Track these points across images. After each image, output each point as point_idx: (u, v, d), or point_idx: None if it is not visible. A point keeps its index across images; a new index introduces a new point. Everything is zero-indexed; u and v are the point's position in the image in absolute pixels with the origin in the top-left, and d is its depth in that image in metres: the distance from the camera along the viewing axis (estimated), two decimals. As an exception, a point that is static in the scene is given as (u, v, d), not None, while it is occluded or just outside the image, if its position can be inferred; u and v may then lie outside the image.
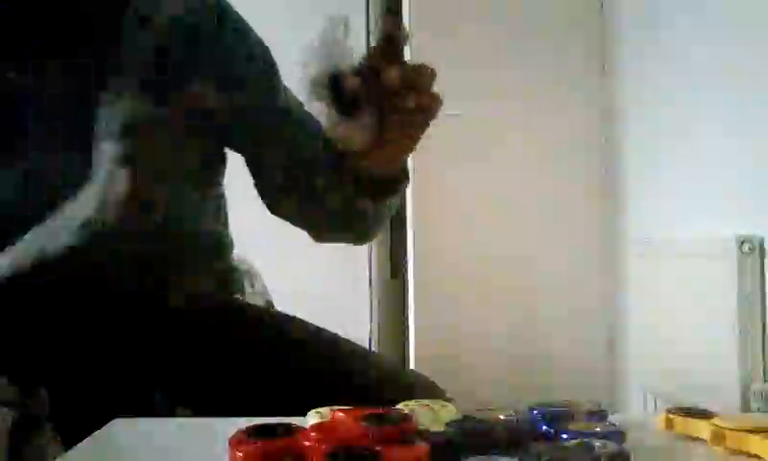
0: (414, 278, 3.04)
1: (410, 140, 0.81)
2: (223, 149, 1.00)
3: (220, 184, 1.03)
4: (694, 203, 2.40)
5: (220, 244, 1.03)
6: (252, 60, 0.94)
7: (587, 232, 3.13)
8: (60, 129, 0.82)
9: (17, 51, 0.82)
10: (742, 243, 2.02)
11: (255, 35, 0.96)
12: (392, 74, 0.69)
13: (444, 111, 0.75)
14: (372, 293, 3.36)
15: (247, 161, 0.99)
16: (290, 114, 0.95)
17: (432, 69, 0.72)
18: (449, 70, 3.17)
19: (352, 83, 0.68)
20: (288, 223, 1.00)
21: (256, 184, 0.98)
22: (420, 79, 0.72)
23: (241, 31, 0.95)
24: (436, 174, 3.05)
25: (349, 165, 0.84)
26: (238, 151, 0.98)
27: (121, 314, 0.88)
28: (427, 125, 0.78)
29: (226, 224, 1.05)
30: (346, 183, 0.87)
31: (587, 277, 3.12)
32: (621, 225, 3.01)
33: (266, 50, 0.97)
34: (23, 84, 0.81)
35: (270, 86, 0.95)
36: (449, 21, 3.00)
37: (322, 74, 0.68)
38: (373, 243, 3.34)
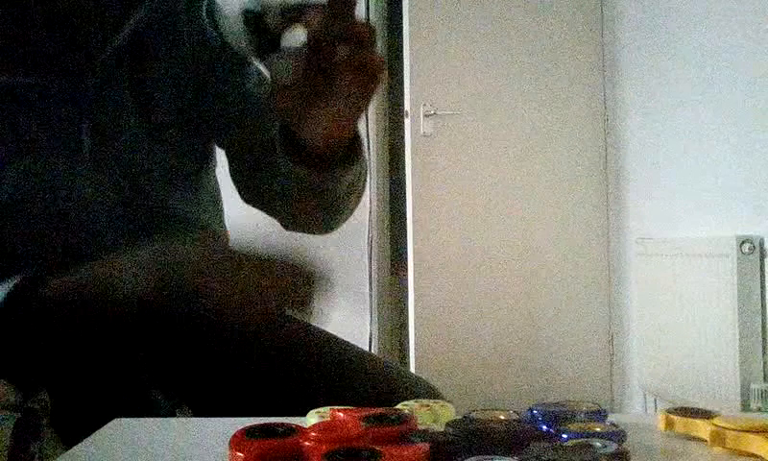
0: (414, 276, 3.04)
1: (354, 105, 0.72)
2: (207, 139, 0.99)
3: (211, 177, 1.02)
4: (694, 203, 2.40)
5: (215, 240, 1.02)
6: (223, 45, 0.94)
7: (587, 233, 3.13)
8: (57, 129, 0.82)
9: (15, 52, 0.82)
10: (742, 243, 2.02)
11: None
12: (314, 19, 0.62)
13: (445, 111, 0.73)
14: (372, 294, 3.36)
15: (225, 152, 0.98)
16: (256, 96, 0.95)
17: (373, 26, 0.66)
18: (451, 70, 3.17)
19: (273, 19, 0.63)
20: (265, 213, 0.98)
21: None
22: (358, 33, 0.65)
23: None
24: (437, 174, 3.06)
25: (294, 137, 0.78)
26: (208, 134, 0.98)
27: (120, 313, 0.88)
28: (372, 90, 0.70)
29: (221, 219, 1.04)
30: (294, 159, 0.80)
31: (587, 276, 3.12)
32: (622, 225, 3.01)
33: None
34: (21, 83, 0.81)
35: (240, 70, 0.95)
36: (450, 21, 3.01)
37: (239, 11, 0.63)
38: (374, 243, 3.34)
